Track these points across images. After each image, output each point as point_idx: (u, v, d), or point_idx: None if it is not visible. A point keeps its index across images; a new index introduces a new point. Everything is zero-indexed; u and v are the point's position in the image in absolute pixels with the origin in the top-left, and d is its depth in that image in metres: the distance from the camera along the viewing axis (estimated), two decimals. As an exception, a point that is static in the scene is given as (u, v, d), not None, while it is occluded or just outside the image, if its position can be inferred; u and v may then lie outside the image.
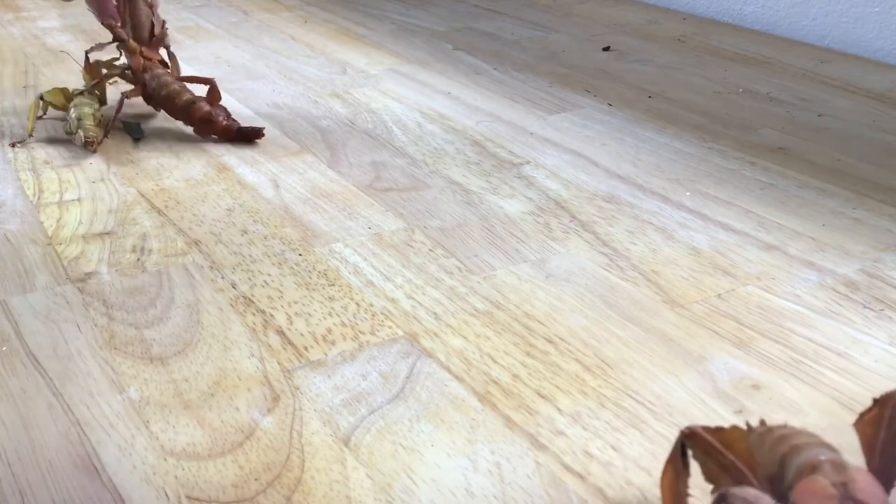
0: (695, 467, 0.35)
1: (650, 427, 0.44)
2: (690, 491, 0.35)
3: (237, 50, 1.11)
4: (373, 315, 0.53)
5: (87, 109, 0.78)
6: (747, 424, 0.34)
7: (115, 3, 0.83)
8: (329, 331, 0.52)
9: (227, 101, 0.91)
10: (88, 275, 0.58)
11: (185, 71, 0.97)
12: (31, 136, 0.81)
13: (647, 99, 0.92)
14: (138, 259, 0.60)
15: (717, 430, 0.34)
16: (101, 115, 0.80)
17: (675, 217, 0.66)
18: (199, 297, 0.55)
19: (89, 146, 0.77)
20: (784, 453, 0.32)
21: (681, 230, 0.64)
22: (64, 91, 0.82)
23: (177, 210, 0.67)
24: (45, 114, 0.83)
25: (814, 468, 0.30)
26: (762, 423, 0.34)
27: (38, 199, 0.69)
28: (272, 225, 0.65)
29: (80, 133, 0.77)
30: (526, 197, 0.69)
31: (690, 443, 0.34)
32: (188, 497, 0.40)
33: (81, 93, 0.82)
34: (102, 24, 0.83)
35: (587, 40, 1.15)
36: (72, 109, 0.79)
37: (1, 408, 0.45)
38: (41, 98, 0.82)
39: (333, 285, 0.57)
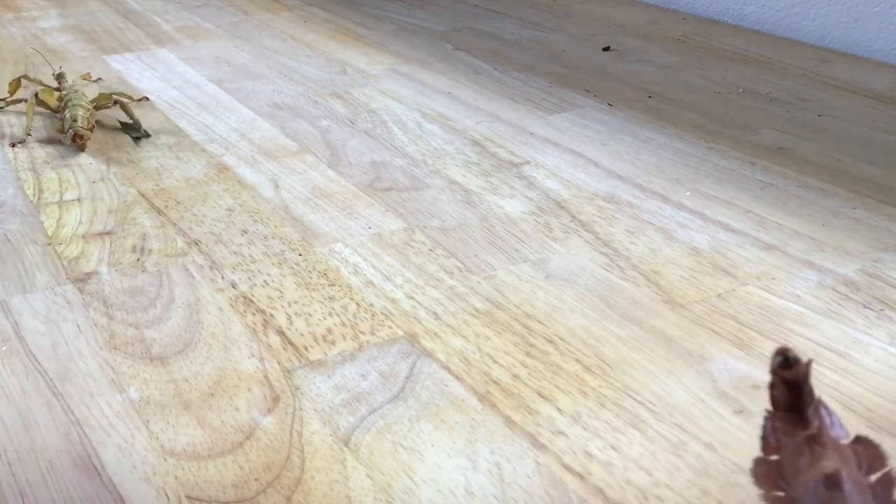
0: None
1: (650, 427, 0.44)
2: None
3: (237, 50, 1.11)
4: (373, 315, 0.53)
5: (80, 111, 0.78)
6: None
7: None
8: (329, 331, 0.52)
9: (227, 100, 0.91)
10: (88, 275, 0.58)
11: (187, 71, 0.97)
12: (29, 134, 0.81)
13: (647, 99, 0.92)
14: (138, 259, 0.60)
15: None
16: (95, 119, 0.81)
17: (675, 217, 0.66)
18: (199, 297, 0.55)
19: (78, 139, 0.77)
20: None
21: (681, 230, 0.64)
22: (53, 92, 0.84)
23: (177, 210, 0.67)
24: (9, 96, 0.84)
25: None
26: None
27: (38, 199, 0.69)
28: (272, 225, 0.65)
29: (71, 131, 0.77)
30: (526, 197, 0.69)
31: None
32: (188, 497, 0.40)
33: (77, 93, 0.82)
34: None
35: (587, 40, 1.15)
36: (67, 109, 0.79)
37: (1, 408, 0.45)
38: (36, 96, 0.82)
39: (333, 285, 0.57)
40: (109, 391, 0.47)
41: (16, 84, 0.89)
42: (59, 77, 0.88)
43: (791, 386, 0.33)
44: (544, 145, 0.79)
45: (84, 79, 0.93)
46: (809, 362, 0.33)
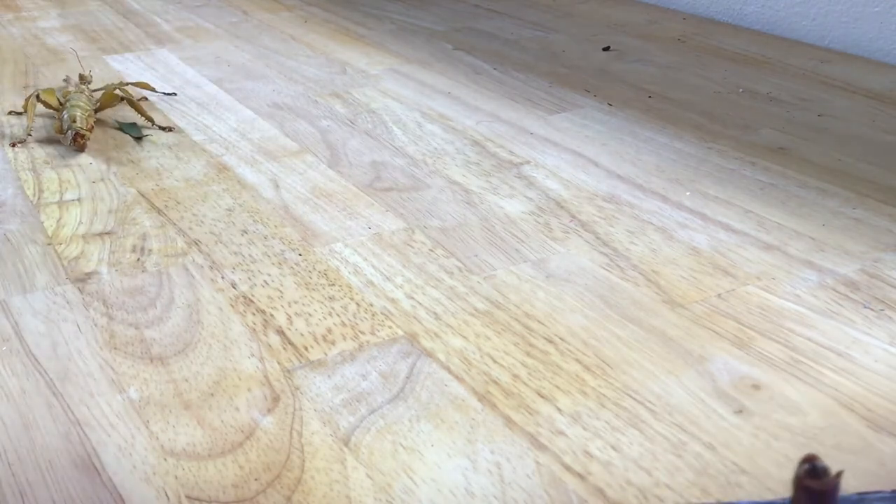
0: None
1: (650, 427, 0.44)
2: None
3: (237, 50, 1.11)
4: (373, 315, 0.53)
5: (79, 112, 0.78)
6: None
7: None
8: (329, 331, 0.52)
9: (227, 100, 0.91)
10: (88, 275, 0.58)
11: (187, 71, 0.97)
12: (30, 134, 0.81)
13: (647, 99, 0.92)
14: (138, 259, 0.60)
15: None
16: (95, 119, 0.81)
17: (675, 217, 0.66)
18: (199, 297, 0.55)
19: (79, 138, 0.76)
20: None
21: (681, 230, 0.64)
22: (55, 92, 0.84)
23: (177, 210, 0.67)
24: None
25: None
26: None
27: (38, 199, 0.69)
28: (272, 225, 0.65)
29: (71, 131, 0.77)
30: (526, 197, 0.69)
31: None
32: (188, 497, 0.40)
33: (76, 93, 0.82)
34: None
35: (587, 40, 1.15)
36: (66, 109, 0.79)
37: (1, 408, 0.45)
38: (37, 96, 0.82)
39: (333, 285, 0.57)
40: (109, 391, 0.47)
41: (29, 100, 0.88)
42: (82, 78, 0.87)
43: (818, 496, 0.31)
44: (544, 145, 0.79)
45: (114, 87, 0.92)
46: (839, 474, 0.31)
